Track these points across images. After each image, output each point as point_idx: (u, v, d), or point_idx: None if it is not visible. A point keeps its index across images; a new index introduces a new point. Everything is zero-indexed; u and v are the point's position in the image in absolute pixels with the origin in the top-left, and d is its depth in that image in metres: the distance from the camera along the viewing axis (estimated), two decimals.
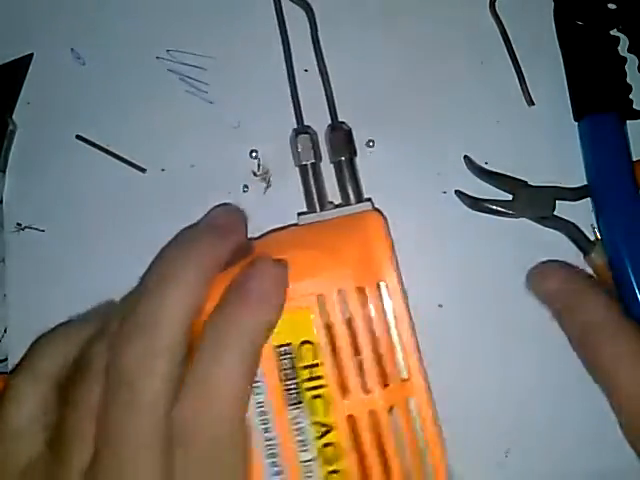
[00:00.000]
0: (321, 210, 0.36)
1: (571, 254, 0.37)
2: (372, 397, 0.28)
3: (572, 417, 0.36)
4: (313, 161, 0.37)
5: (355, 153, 0.38)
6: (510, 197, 0.37)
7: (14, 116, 0.41)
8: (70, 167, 0.40)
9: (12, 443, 0.28)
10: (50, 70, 0.41)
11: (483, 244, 0.38)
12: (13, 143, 0.41)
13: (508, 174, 0.38)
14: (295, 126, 0.39)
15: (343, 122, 0.38)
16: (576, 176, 0.38)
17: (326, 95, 0.39)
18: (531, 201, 0.37)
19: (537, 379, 0.37)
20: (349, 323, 0.29)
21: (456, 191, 0.38)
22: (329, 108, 0.38)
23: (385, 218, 0.32)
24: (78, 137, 0.40)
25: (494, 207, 0.37)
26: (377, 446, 0.28)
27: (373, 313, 0.29)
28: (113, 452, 0.25)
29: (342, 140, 0.37)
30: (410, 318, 0.30)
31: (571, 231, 0.37)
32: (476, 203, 0.37)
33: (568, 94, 0.38)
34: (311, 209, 0.36)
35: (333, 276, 0.29)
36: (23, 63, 0.41)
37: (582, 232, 0.37)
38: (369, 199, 0.36)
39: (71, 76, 0.41)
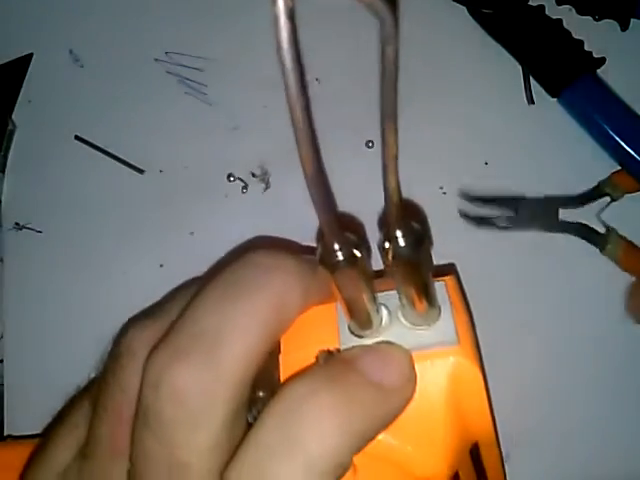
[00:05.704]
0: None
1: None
2: None
3: (574, 420, 0.35)
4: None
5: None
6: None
7: (13, 116, 0.41)
8: (69, 168, 0.40)
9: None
10: (49, 72, 0.42)
11: (483, 244, 0.37)
12: (12, 143, 0.40)
13: (505, 195, 0.37)
14: None
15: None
16: (577, 175, 0.37)
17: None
18: (535, 214, 0.37)
19: (538, 382, 0.36)
20: None
21: (460, 213, 0.37)
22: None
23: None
24: (77, 138, 0.40)
25: (499, 224, 0.37)
26: None
27: None
28: None
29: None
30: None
31: (582, 231, 0.36)
32: (481, 221, 0.37)
33: (525, 80, 0.38)
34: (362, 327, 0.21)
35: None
36: (23, 63, 0.41)
37: (593, 229, 0.36)
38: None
39: (70, 78, 0.41)
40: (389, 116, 0.15)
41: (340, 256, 0.17)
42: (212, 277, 0.21)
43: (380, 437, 0.19)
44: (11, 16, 0.42)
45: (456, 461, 0.21)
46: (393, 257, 0.18)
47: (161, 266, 0.39)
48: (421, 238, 0.18)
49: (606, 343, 0.36)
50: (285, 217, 0.38)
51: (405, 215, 0.17)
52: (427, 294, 0.20)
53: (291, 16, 0.13)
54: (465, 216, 0.37)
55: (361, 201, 0.37)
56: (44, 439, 0.25)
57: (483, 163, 0.38)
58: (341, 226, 0.17)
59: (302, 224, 0.37)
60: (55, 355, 0.38)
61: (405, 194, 0.38)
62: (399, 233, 0.17)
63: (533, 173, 0.38)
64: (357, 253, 0.17)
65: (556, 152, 0.38)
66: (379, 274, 0.19)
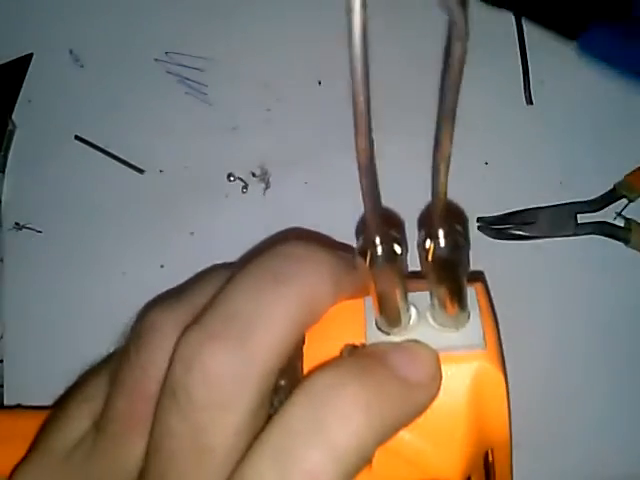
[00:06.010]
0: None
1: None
2: None
3: (578, 418, 0.35)
4: None
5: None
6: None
7: (13, 116, 0.41)
8: (69, 168, 0.40)
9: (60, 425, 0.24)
10: (49, 72, 0.41)
11: (487, 246, 0.37)
12: (12, 143, 0.40)
13: (521, 208, 0.37)
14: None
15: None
16: (578, 175, 0.37)
17: None
18: (553, 222, 0.37)
19: (543, 381, 0.36)
20: None
21: (478, 227, 0.37)
22: None
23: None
24: (77, 138, 0.40)
25: (518, 233, 0.37)
26: None
27: None
28: None
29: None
30: None
31: (604, 228, 0.36)
32: (500, 233, 0.37)
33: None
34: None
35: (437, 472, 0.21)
36: (23, 63, 0.41)
37: (615, 225, 0.36)
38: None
39: (70, 78, 0.41)
40: (447, 116, 0.15)
41: (380, 250, 0.17)
42: (245, 265, 0.21)
43: (400, 434, 0.19)
44: (11, 16, 0.42)
45: (471, 465, 0.21)
46: (433, 256, 0.18)
47: (161, 267, 0.39)
48: (462, 240, 0.18)
49: (615, 342, 0.36)
50: (285, 217, 0.38)
51: (448, 215, 0.17)
52: (460, 297, 0.20)
53: (364, 4, 0.12)
54: (483, 229, 0.37)
55: (361, 202, 0.37)
56: (58, 408, 0.24)
57: (483, 163, 0.38)
58: (384, 221, 0.17)
59: (302, 224, 0.37)
60: (55, 355, 0.38)
61: (405, 195, 0.38)
62: (441, 233, 0.17)
63: (533, 174, 0.38)
64: (397, 249, 0.18)
65: (556, 153, 0.38)
66: (410, 276, 0.20)
